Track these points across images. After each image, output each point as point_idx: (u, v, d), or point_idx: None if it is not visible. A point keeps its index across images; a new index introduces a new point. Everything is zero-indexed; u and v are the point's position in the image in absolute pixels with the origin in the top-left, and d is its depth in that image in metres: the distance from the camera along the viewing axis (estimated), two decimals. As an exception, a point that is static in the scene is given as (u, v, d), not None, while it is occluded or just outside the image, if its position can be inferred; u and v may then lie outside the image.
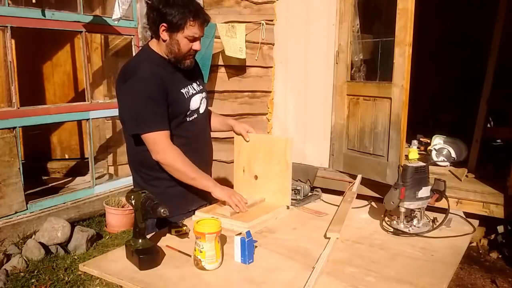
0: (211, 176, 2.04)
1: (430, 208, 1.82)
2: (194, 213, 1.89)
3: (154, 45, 1.85)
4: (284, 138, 1.98)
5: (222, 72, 4.44)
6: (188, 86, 1.89)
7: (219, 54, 4.32)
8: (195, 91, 1.91)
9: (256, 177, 2.03)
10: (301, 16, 4.35)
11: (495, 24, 3.98)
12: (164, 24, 1.75)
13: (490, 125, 4.48)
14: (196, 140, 1.93)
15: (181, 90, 1.85)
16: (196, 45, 1.80)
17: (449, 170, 4.05)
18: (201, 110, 1.94)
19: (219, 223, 1.44)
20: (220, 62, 4.40)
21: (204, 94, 1.96)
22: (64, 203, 3.86)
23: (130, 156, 1.94)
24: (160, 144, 1.75)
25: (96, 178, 4.25)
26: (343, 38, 4.04)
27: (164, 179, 1.85)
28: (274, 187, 1.99)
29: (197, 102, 1.91)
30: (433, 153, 4.29)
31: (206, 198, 1.99)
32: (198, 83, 1.96)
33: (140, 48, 4.47)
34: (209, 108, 2.15)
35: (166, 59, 1.83)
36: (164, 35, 1.77)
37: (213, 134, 2.14)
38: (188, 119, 1.87)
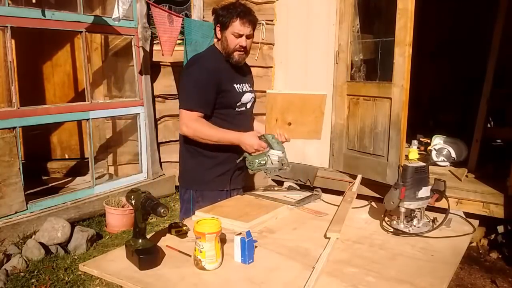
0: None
1: (430, 208, 1.82)
2: (228, 194, 2.16)
3: (218, 44, 2.16)
4: (320, 94, 2.11)
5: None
6: (242, 84, 2.19)
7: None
8: (247, 90, 2.21)
9: (289, 124, 2.12)
10: (301, 16, 4.36)
11: (495, 24, 3.98)
12: (218, 25, 2.09)
13: (490, 125, 4.48)
14: (240, 129, 2.12)
15: (234, 85, 2.14)
16: (242, 41, 2.07)
17: (449, 170, 4.06)
18: (249, 106, 2.23)
19: (219, 223, 1.44)
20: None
21: (254, 95, 2.26)
22: (64, 203, 3.86)
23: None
24: (185, 119, 2.04)
25: (96, 178, 4.25)
26: (343, 38, 4.04)
27: (211, 157, 2.13)
28: (307, 129, 2.13)
29: (248, 98, 2.20)
30: (433, 153, 4.29)
31: (240, 183, 2.27)
32: (249, 84, 2.26)
33: (139, 47, 4.47)
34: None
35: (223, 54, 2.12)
36: (219, 34, 2.10)
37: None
38: (237, 109, 2.16)
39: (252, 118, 2.35)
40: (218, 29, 2.10)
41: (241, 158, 2.08)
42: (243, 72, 2.23)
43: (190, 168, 2.21)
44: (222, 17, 2.05)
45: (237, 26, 2.04)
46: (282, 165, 1.99)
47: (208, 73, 2.05)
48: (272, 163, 1.99)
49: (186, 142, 2.16)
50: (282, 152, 1.99)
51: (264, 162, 2.00)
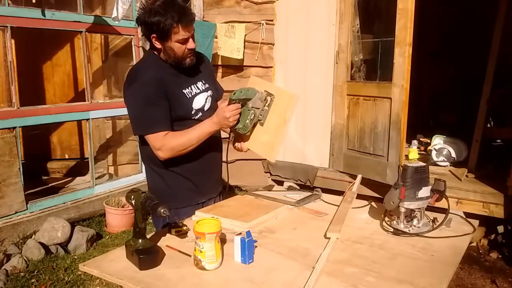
0: (221, 173, 2.13)
1: (430, 208, 1.82)
2: (202, 206, 1.98)
3: (157, 52, 1.90)
4: (290, 94, 1.86)
5: (221, 72, 4.44)
6: (191, 86, 1.94)
7: (218, 54, 4.32)
8: (199, 90, 1.95)
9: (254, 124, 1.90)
10: (301, 16, 4.36)
11: (495, 24, 3.98)
12: (154, 35, 1.80)
13: (490, 125, 4.48)
14: None
15: (183, 91, 1.90)
16: (190, 45, 1.84)
17: (449, 170, 4.05)
18: (206, 108, 1.97)
19: (219, 223, 1.44)
20: (219, 62, 4.40)
21: (209, 93, 2.00)
22: (64, 203, 3.86)
23: (141, 152, 2.07)
24: (155, 144, 1.84)
25: (96, 178, 4.25)
26: (343, 38, 4.04)
27: (174, 172, 1.94)
28: (266, 139, 1.88)
29: (201, 101, 1.95)
30: (433, 153, 4.29)
31: (216, 191, 2.11)
32: (203, 81, 1.99)
33: (139, 47, 4.47)
34: None
35: (168, 62, 1.89)
36: (157, 44, 1.83)
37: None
38: (194, 117, 1.93)
39: None
40: (154, 39, 1.81)
41: (232, 137, 1.90)
42: (191, 70, 1.94)
43: (156, 186, 2.00)
44: (157, 26, 1.75)
45: (180, 33, 1.77)
46: (265, 99, 1.82)
47: (153, 85, 1.81)
48: (258, 108, 1.82)
49: (146, 160, 2.00)
50: (256, 92, 1.81)
51: (252, 116, 1.81)
